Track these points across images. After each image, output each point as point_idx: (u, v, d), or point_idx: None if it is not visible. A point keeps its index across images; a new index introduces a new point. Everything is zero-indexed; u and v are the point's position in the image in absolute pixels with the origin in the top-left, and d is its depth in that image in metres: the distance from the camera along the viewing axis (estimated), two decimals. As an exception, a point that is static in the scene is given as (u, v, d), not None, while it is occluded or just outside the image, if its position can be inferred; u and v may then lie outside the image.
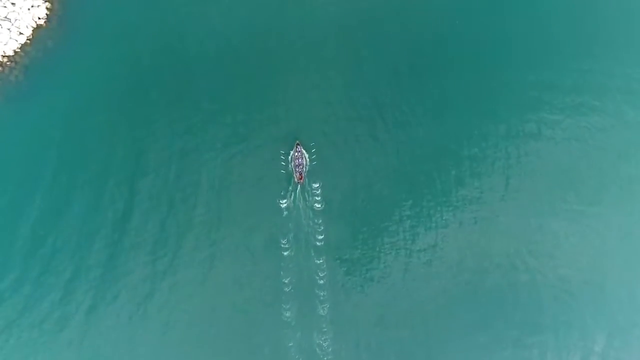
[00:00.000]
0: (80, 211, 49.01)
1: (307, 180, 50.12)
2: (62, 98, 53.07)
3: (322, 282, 47.43)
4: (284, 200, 49.26)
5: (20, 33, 54.51)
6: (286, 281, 47.40)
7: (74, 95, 53.39)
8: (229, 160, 51.29)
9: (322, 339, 46.34)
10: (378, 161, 51.91)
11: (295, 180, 50.43)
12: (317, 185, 49.81)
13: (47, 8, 55.95)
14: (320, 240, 48.26)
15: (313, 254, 48.28)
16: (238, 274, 48.14)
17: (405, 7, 58.72)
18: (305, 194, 49.61)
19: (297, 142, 51.65)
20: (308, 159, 51.07)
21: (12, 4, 55.04)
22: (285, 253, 48.03)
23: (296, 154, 51.20)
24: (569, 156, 52.91)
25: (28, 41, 54.73)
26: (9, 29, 54.29)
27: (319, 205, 49.19)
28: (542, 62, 56.69)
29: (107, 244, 48.14)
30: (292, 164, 50.84)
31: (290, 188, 49.99)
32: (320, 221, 48.68)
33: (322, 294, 47.26)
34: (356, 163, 51.66)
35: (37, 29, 55.21)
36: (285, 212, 49.02)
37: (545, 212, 50.93)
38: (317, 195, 49.44)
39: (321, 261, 47.87)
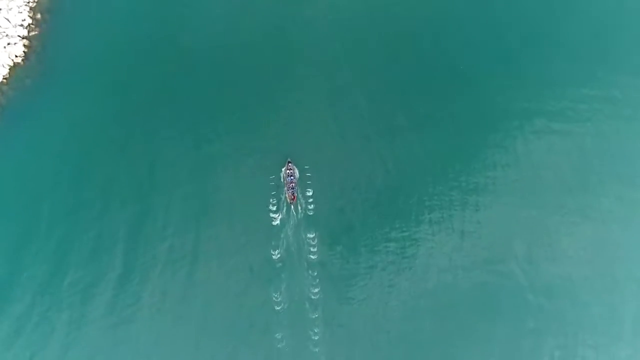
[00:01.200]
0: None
1: (302, 228, 47.47)
2: (41, 139, 50.75)
3: (316, 337, 44.63)
4: (277, 251, 46.59)
5: (-4, 72, 51.96)
6: (278, 336, 44.60)
7: (53, 136, 51.04)
8: (216, 198, 49.10)
9: (318, 397, 43.87)
10: (378, 206, 49.41)
11: (288, 200, 48.32)
12: (313, 235, 47.24)
13: (24, 45, 53.40)
14: (315, 294, 45.63)
15: (307, 307, 45.68)
16: (227, 329, 45.18)
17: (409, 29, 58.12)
18: (301, 242, 47.07)
19: (289, 159, 49.85)
20: (298, 186, 49.12)
21: (-13, 42, 52.52)
22: (278, 307, 45.42)
23: (288, 171, 49.26)
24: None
25: (4, 80, 52.14)
26: (-17, 69, 51.71)
27: (315, 257, 46.68)
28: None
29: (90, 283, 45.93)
30: (284, 181, 48.88)
31: (282, 235, 47.38)
32: (316, 273, 46.10)
33: (316, 349, 44.57)
34: (354, 206, 49.03)
35: (14, 67, 52.68)
36: (278, 264, 46.42)
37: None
38: (313, 246, 46.80)
39: (316, 316, 45.24)
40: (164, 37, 56.14)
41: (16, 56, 52.64)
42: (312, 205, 48.32)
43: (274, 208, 48.22)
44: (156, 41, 55.96)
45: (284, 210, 48.32)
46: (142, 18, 56.94)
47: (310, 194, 48.80)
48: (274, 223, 47.65)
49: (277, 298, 45.44)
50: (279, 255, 46.42)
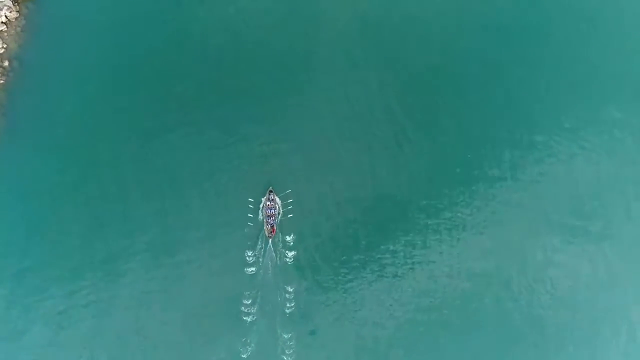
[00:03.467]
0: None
1: (280, 327, 44.59)
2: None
3: None
4: (249, 348, 44.09)
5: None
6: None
7: (17, 200, 47.48)
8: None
9: None
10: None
11: (266, 234, 45.53)
12: (289, 335, 44.33)
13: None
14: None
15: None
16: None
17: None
18: (280, 342, 44.13)
19: (270, 188, 46.79)
20: (281, 208, 46.41)
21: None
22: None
23: (268, 203, 46.24)
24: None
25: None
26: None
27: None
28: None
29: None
30: (263, 213, 45.98)
31: (255, 328, 44.92)
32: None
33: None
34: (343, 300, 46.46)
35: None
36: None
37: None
38: (289, 347, 44.02)
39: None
40: (140, 89, 52.22)
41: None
42: (294, 306, 45.42)
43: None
44: (132, 94, 51.97)
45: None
46: (118, 70, 52.87)
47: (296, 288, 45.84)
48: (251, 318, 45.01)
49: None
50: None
